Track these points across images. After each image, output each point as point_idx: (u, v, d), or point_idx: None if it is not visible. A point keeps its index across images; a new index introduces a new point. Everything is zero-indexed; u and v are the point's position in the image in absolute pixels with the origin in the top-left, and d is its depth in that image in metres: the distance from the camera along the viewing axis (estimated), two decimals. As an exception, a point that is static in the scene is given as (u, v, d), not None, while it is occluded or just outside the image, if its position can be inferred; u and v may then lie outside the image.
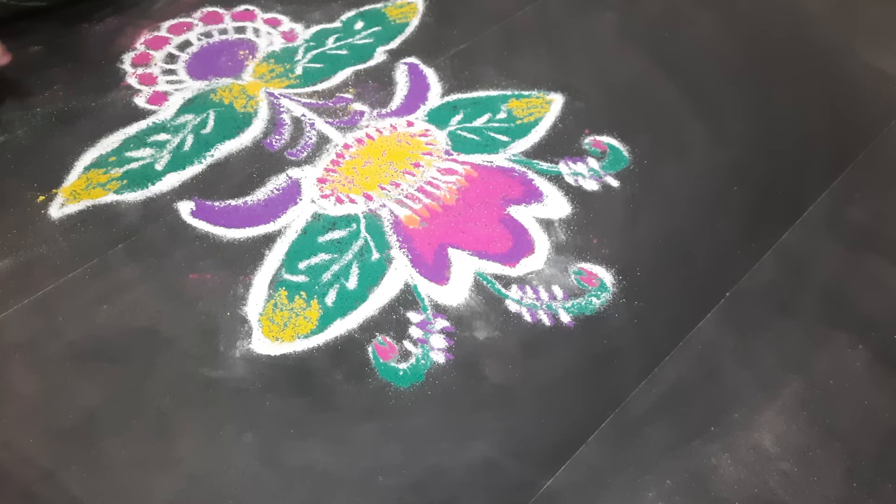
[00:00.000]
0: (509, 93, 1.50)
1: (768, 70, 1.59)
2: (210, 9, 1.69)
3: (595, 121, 1.45)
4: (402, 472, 0.98)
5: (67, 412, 1.03)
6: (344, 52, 1.59)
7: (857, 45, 1.65)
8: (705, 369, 1.10)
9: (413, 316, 1.15)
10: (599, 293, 1.18)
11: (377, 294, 1.17)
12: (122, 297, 1.16)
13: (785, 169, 1.39)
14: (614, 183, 1.34)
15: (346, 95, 1.49)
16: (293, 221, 1.27)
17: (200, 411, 1.04)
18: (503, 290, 1.18)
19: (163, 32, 1.63)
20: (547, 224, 1.28)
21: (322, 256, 1.22)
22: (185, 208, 1.28)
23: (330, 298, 1.16)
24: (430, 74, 1.54)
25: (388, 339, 1.12)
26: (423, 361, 1.09)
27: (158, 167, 1.35)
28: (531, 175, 1.35)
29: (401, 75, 1.53)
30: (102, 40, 1.60)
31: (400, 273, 1.20)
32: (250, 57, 1.57)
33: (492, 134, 1.42)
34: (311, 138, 1.41)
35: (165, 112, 1.45)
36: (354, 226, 1.26)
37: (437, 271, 1.20)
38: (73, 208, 1.28)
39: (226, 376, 1.07)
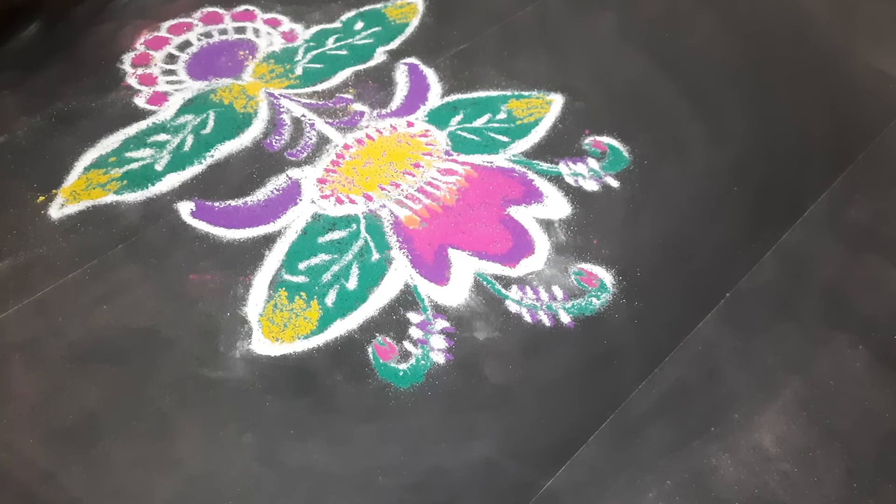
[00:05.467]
0: (509, 93, 1.50)
1: (768, 70, 1.59)
2: (210, 9, 1.69)
3: (595, 121, 1.45)
4: (403, 473, 0.98)
5: (67, 413, 1.03)
6: (344, 52, 1.59)
7: (857, 45, 1.65)
8: (705, 370, 1.10)
9: (413, 316, 1.15)
10: (599, 293, 1.18)
11: (377, 294, 1.17)
12: (122, 297, 1.16)
13: (785, 169, 1.39)
14: (614, 183, 1.34)
15: (346, 96, 1.49)
16: (293, 222, 1.27)
17: (200, 412, 1.04)
18: (503, 291, 1.18)
19: (163, 33, 1.63)
20: (547, 224, 1.28)
21: (322, 257, 1.22)
22: (185, 209, 1.28)
23: (330, 299, 1.16)
24: (430, 75, 1.54)
25: (388, 339, 1.12)
26: (423, 362, 1.09)
27: (158, 167, 1.35)
28: (531, 175, 1.35)
29: (401, 75, 1.54)
30: (102, 40, 1.60)
31: (400, 273, 1.20)
32: (250, 57, 1.57)
33: (492, 134, 1.42)
34: (311, 139, 1.41)
35: (165, 112, 1.45)
36: (354, 226, 1.26)
37: (438, 272, 1.20)
38: (73, 209, 1.28)
39: (226, 377, 1.07)
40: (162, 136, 1.40)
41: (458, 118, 1.44)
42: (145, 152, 1.37)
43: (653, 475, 0.99)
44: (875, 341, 1.14)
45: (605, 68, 1.57)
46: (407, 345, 1.11)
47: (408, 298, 1.16)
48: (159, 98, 1.47)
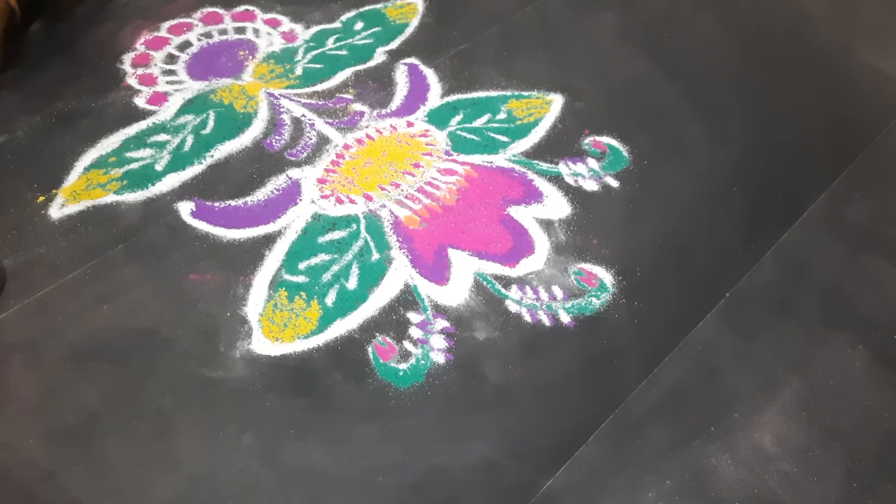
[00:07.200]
0: (509, 93, 1.50)
1: (768, 70, 1.59)
2: (210, 9, 1.69)
3: (595, 121, 1.45)
4: (402, 473, 0.98)
5: (67, 412, 1.03)
6: (344, 52, 1.59)
7: (857, 46, 1.65)
8: (705, 369, 1.10)
9: (413, 316, 1.15)
10: (599, 293, 1.18)
11: (377, 294, 1.17)
12: (122, 297, 1.16)
13: (785, 169, 1.39)
14: (614, 183, 1.34)
15: (346, 96, 1.49)
16: (293, 222, 1.27)
17: (200, 412, 1.04)
18: (503, 291, 1.18)
19: (163, 33, 1.63)
20: (547, 224, 1.28)
21: (322, 257, 1.22)
22: (185, 209, 1.28)
23: (330, 299, 1.16)
24: (430, 75, 1.54)
25: (388, 339, 1.12)
26: (423, 362, 1.09)
27: (158, 168, 1.35)
28: (531, 175, 1.35)
29: (401, 76, 1.54)
30: (102, 40, 1.60)
31: (400, 273, 1.20)
32: (250, 57, 1.57)
33: (492, 134, 1.42)
34: (311, 139, 1.41)
35: (165, 112, 1.45)
36: (354, 226, 1.26)
37: (437, 272, 1.20)
38: (73, 209, 1.28)
39: (226, 377, 1.07)
40: (162, 137, 1.40)
41: (458, 118, 1.44)
42: (145, 152, 1.37)
43: (653, 475, 0.99)
44: (875, 341, 1.14)
45: (605, 68, 1.57)
46: (407, 345, 1.11)
47: (408, 298, 1.16)
48: (159, 98, 1.47)
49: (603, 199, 1.32)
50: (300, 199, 1.30)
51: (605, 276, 1.20)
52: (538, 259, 1.22)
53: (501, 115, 1.45)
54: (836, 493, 0.98)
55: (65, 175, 1.33)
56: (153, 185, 1.32)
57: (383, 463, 0.99)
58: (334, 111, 1.46)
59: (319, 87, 1.51)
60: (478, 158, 1.37)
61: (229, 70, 1.54)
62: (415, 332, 1.12)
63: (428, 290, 1.17)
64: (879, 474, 0.99)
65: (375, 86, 1.51)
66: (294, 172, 1.34)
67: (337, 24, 1.66)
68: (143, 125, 1.42)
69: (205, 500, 0.96)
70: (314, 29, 1.64)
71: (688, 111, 1.48)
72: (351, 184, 1.32)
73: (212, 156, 1.37)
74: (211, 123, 1.42)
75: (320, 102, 1.48)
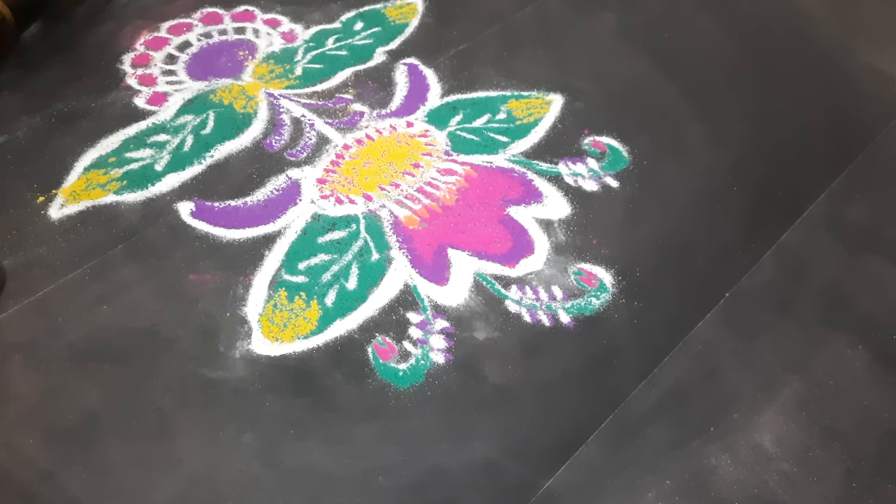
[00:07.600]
0: (509, 93, 1.50)
1: (768, 70, 1.59)
2: (210, 9, 1.69)
3: (595, 121, 1.45)
4: (402, 473, 0.98)
5: (67, 412, 1.03)
6: (344, 52, 1.59)
7: (857, 46, 1.65)
8: (705, 369, 1.10)
9: (413, 316, 1.15)
10: (599, 293, 1.18)
11: (377, 294, 1.17)
12: (122, 297, 1.16)
13: (785, 169, 1.39)
14: (614, 183, 1.34)
15: (345, 96, 1.49)
16: (293, 222, 1.27)
17: (200, 412, 1.04)
18: (503, 291, 1.18)
19: (162, 33, 1.63)
20: (546, 224, 1.28)
21: (322, 257, 1.22)
22: (184, 209, 1.28)
23: (330, 299, 1.16)
24: (430, 75, 1.54)
25: (387, 339, 1.12)
26: (422, 362, 1.09)
27: (158, 168, 1.35)
28: (531, 175, 1.35)
29: (400, 76, 1.54)
30: (102, 41, 1.60)
31: (400, 273, 1.20)
32: (250, 57, 1.57)
33: (491, 134, 1.42)
34: (310, 139, 1.41)
35: (165, 113, 1.45)
36: (354, 226, 1.26)
37: (437, 272, 1.20)
38: (72, 209, 1.28)
39: (226, 377, 1.07)
40: (162, 137, 1.40)
41: (458, 118, 1.44)
42: (145, 152, 1.37)
43: (652, 475, 0.99)
44: (875, 341, 1.14)
45: (604, 68, 1.57)
46: (406, 345, 1.11)
47: (407, 298, 1.16)
48: (159, 98, 1.47)
49: (603, 199, 1.32)
50: (300, 200, 1.30)
51: (605, 276, 1.20)
52: (538, 259, 1.22)
53: (501, 115, 1.45)
54: (836, 493, 0.98)
55: (65, 175, 1.33)
56: (153, 185, 1.32)
57: (383, 463, 0.99)
58: (334, 111, 1.46)
59: (319, 88, 1.51)
60: (477, 158, 1.37)
61: (229, 70, 1.54)
62: (414, 333, 1.12)
63: (428, 290, 1.17)
64: (879, 474, 0.99)
65: (375, 86, 1.51)
66: (294, 172, 1.34)
67: (337, 25, 1.66)
68: (142, 125, 1.42)
69: (205, 500, 0.96)
70: (314, 29, 1.64)
71: (688, 111, 1.48)
72: (351, 184, 1.32)
73: (211, 156, 1.37)
74: (211, 123, 1.42)
75: (320, 102, 1.48)
